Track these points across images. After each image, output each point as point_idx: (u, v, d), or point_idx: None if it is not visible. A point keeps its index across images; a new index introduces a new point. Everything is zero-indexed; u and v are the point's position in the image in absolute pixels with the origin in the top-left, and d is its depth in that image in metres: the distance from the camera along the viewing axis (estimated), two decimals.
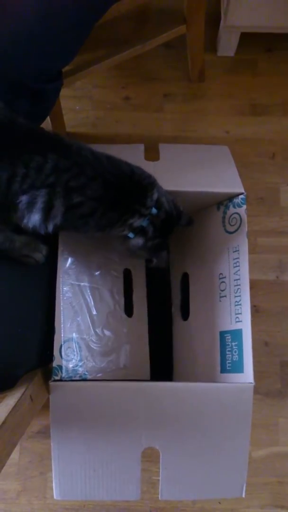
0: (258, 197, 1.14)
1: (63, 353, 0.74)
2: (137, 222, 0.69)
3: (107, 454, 0.67)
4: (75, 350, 0.76)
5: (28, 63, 0.69)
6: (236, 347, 0.73)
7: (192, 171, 0.81)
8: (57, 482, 0.67)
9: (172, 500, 0.97)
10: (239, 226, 0.77)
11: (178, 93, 1.21)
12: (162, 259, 0.76)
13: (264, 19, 1.08)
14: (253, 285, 1.06)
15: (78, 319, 0.78)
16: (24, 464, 1.00)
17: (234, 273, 0.76)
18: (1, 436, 0.54)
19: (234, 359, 0.73)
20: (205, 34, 1.07)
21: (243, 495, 0.68)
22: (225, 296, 0.77)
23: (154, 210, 0.69)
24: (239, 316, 0.73)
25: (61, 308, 0.75)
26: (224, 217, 0.81)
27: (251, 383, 0.68)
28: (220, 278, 0.79)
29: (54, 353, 0.72)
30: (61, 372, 0.72)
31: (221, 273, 0.79)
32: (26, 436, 1.01)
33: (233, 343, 0.74)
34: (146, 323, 0.87)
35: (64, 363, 0.74)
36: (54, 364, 0.71)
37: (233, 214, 0.79)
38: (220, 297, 0.79)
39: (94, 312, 0.80)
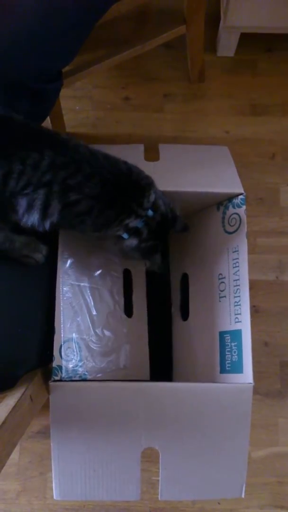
0: (258, 197, 1.14)
1: (63, 353, 0.74)
2: (133, 222, 0.68)
3: (107, 454, 0.67)
4: (75, 350, 0.76)
5: (28, 63, 0.69)
6: (235, 348, 0.73)
7: (192, 171, 0.81)
8: (57, 482, 0.67)
9: (171, 500, 0.97)
10: (239, 227, 0.77)
11: (178, 93, 1.21)
12: (155, 262, 0.75)
13: (264, 20, 1.08)
14: (253, 285, 1.07)
15: (78, 319, 0.78)
16: (24, 464, 1.00)
17: (234, 274, 0.76)
18: (1, 436, 0.54)
19: (234, 360, 0.73)
20: (205, 34, 1.07)
21: (243, 495, 0.68)
22: (225, 296, 0.77)
23: (150, 212, 0.69)
24: (238, 317, 0.73)
25: (61, 308, 0.75)
26: (223, 218, 0.81)
27: (251, 383, 0.68)
28: (219, 279, 0.79)
29: (54, 353, 0.72)
30: (61, 372, 0.72)
31: (220, 274, 0.79)
32: (26, 436, 1.01)
33: (233, 344, 0.74)
34: (146, 323, 0.87)
35: (64, 363, 0.74)
36: (54, 364, 0.71)
37: (232, 214, 0.79)
38: (220, 297, 0.79)
39: (94, 312, 0.80)
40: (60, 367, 0.72)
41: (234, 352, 0.73)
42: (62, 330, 0.75)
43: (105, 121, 1.18)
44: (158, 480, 0.67)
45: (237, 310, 0.74)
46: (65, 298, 0.77)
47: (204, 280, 0.84)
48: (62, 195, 0.63)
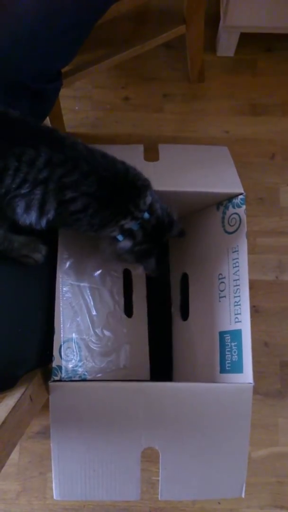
0: (258, 197, 1.14)
1: (62, 354, 0.74)
2: (128, 224, 0.68)
3: (107, 454, 0.67)
4: (74, 350, 0.76)
5: (28, 63, 0.69)
6: (235, 347, 0.73)
7: (192, 171, 0.81)
8: (57, 482, 0.67)
9: (171, 500, 0.97)
10: (239, 227, 0.77)
11: (178, 93, 1.21)
12: (149, 267, 0.73)
13: (264, 19, 1.08)
14: (253, 285, 1.07)
15: (77, 319, 0.78)
16: (24, 464, 1.00)
17: (234, 274, 0.76)
18: (0, 436, 0.54)
19: (234, 359, 0.73)
20: (204, 34, 1.07)
21: (243, 495, 0.68)
22: (225, 296, 0.77)
23: (146, 215, 0.68)
24: (238, 317, 0.73)
25: (61, 308, 0.75)
26: (223, 218, 0.81)
27: (251, 383, 0.68)
28: (219, 279, 0.79)
29: (54, 354, 0.72)
30: (61, 372, 0.72)
31: (220, 274, 0.79)
32: (26, 437, 1.01)
33: (233, 343, 0.74)
34: (146, 323, 0.87)
35: (63, 363, 0.74)
36: (54, 364, 0.71)
37: (232, 214, 0.79)
38: (220, 297, 0.79)
39: (94, 312, 0.80)
40: (60, 367, 0.72)
41: (234, 352, 0.73)
42: (61, 330, 0.74)
43: (104, 121, 1.18)
44: (158, 480, 0.67)
45: (237, 310, 0.74)
46: (64, 298, 0.77)
47: (204, 280, 0.84)
48: (58, 193, 0.63)
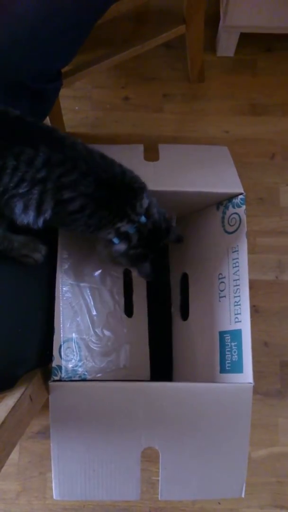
0: (258, 197, 1.14)
1: (62, 353, 0.74)
2: (124, 227, 0.67)
3: (107, 454, 0.67)
4: (74, 350, 0.76)
5: (28, 63, 0.69)
6: (235, 347, 0.73)
7: (192, 171, 0.81)
8: (56, 482, 0.67)
9: (171, 500, 0.97)
10: (239, 226, 0.77)
11: (178, 93, 1.21)
12: (143, 271, 0.72)
13: (264, 19, 1.08)
14: (253, 285, 1.07)
15: (77, 319, 0.78)
16: (23, 464, 1.00)
17: (234, 273, 0.76)
18: (0, 436, 0.54)
19: (234, 359, 0.73)
20: (204, 34, 1.07)
21: (243, 495, 0.68)
22: (225, 296, 0.77)
23: (143, 219, 0.68)
24: (238, 316, 0.73)
25: (61, 308, 0.75)
26: (223, 217, 0.81)
27: (251, 383, 0.68)
28: (219, 278, 0.79)
29: (54, 353, 0.72)
30: (61, 372, 0.72)
31: (220, 273, 0.79)
32: (26, 437, 1.01)
33: (233, 343, 0.74)
34: (146, 323, 0.87)
35: (63, 363, 0.74)
36: (54, 364, 0.71)
37: (232, 214, 0.79)
38: (220, 297, 0.79)
39: (94, 312, 0.80)
40: (59, 367, 0.72)
41: (234, 352, 0.73)
42: (61, 330, 0.74)
43: (104, 121, 1.18)
44: (158, 480, 0.67)
45: (237, 310, 0.74)
46: (64, 298, 0.77)
47: (204, 280, 0.84)
48: (56, 193, 0.63)
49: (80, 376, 0.76)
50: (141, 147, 0.84)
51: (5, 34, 0.66)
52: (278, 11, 1.05)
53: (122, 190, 0.67)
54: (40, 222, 0.65)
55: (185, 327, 0.88)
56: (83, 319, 0.79)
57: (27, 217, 0.64)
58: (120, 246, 0.69)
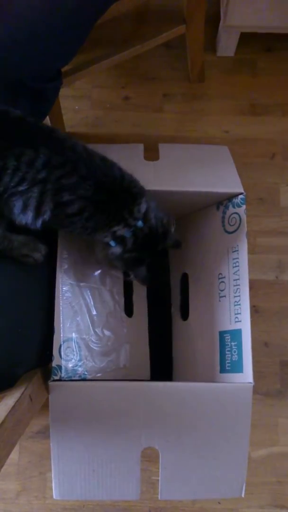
0: (258, 197, 1.14)
1: (62, 353, 0.74)
2: (121, 231, 0.68)
3: (107, 454, 0.67)
4: (74, 350, 0.76)
5: (28, 63, 0.69)
6: (235, 347, 0.73)
7: (192, 171, 0.81)
8: (56, 482, 0.67)
9: (171, 500, 0.97)
10: (239, 226, 0.77)
11: (178, 93, 1.21)
12: (139, 275, 0.72)
13: (264, 19, 1.08)
14: (253, 285, 1.07)
15: (77, 319, 0.78)
16: (23, 464, 1.00)
17: (234, 273, 0.76)
18: (0, 436, 0.54)
19: (234, 359, 0.73)
20: (204, 34, 1.07)
21: (243, 495, 0.68)
22: (225, 296, 0.77)
23: (140, 223, 0.68)
24: (238, 316, 0.73)
25: (61, 308, 0.75)
26: (223, 217, 0.81)
27: (251, 383, 0.68)
28: (219, 278, 0.79)
29: (54, 353, 0.72)
30: (61, 372, 0.72)
31: (220, 273, 0.79)
32: (25, 436, 1.01)
33: (233, 343, 0.74)
34: (146, 323, 0.87)
35: (63, 363, 0.74)
36: (54, 364, 0.71)
37: (232, 214, 0.79)
38: (220, 297, 0.79)
39: (94, 312, 0.80)
40: (59, 366, 0.72)
41: (234, 351, 0.73)
42: (61, 330, 0.74)
43: (104, 120, 1.18)
44: (158, 480, 0.67)
45: (237, 309, 0.74)
46: (64, 298, 0.77)
47: (204, 280, 0.84)
48: (56, 194, 0.63)
49: (80, 376, 0.76)
50: (141, 147, 0.84)
51: (5, 34, 0.66)
52: (278, 11, 1.05)
53: (121, 194, 0.67)
54: (39, 223, 0.65)
55: (185, 327, 0.88)
56: (83, 319, 0.78)
57: (25, 217, 0.64)
58: (116, 249, 0.69)
